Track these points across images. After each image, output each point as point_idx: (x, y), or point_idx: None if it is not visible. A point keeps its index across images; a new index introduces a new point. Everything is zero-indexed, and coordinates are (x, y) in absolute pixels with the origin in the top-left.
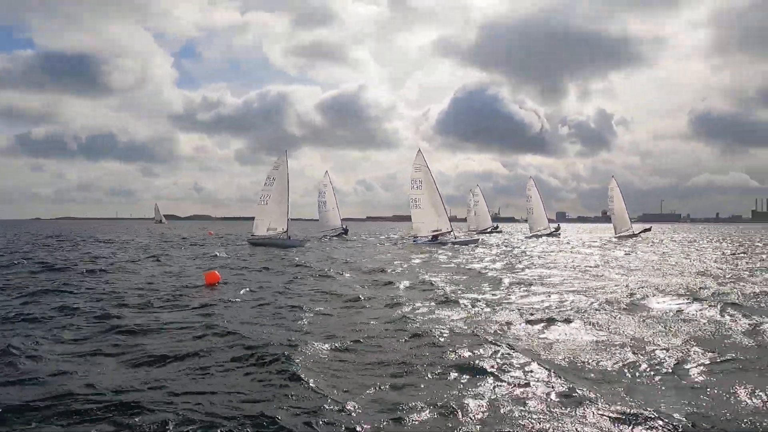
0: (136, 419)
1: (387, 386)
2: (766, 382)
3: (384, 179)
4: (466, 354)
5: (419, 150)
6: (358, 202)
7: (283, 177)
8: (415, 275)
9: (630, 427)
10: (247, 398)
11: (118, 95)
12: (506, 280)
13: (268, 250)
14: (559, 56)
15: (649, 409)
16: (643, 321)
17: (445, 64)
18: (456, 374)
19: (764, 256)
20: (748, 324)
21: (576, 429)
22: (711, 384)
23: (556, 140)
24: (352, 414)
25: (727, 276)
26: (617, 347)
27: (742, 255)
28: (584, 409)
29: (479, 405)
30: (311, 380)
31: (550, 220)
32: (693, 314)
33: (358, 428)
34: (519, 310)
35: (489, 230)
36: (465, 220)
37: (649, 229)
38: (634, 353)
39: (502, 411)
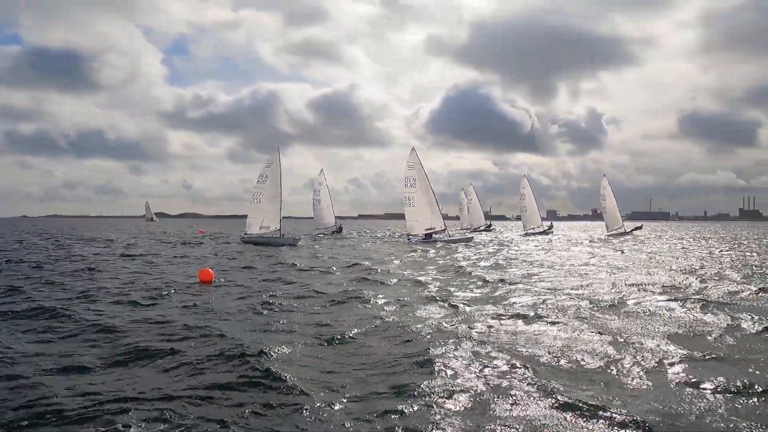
0: (110, 419)
1: (366, 384)
2: (743, 379)
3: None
4: (449, 352)
5: (413, 148)
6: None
7: (276, 175)
8: (403, 273)
9: (606, 423)
10: (222, 397)
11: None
12: (495, 279)
13: (260, 248)
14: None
15: (623, 407)
16: (626, 319)
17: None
18: (436, 371)
19: (753, 255)
20: (728, 322)
21: (553, 424)
22: (686, 381)
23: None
24: (332, 412)
25: (712, 274)
26: (597, 344)
27: (728, 251)
28: (561, 405)
29: (459, 402)
30: (289, 378)
31: (542, 219)
32: (674, 312)
33: (337, 426)
34: (504, 308)
35: (482, 228)
36: (456, 218)
37: (640, 227)
38: (614, 350)
39: (481, 408)
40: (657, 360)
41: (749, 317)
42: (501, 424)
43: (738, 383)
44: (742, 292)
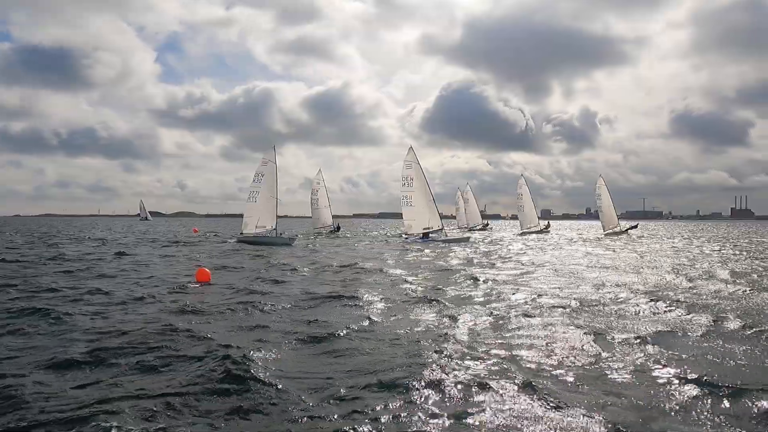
0: (91, 421)
1: (353, 384)
2: (725, 379)
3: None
4: (436, 352)
5: (410, 147)
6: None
7: (272, 174)
8: (396, 273)
9: (589, 422)
10: (206, 398)
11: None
12: (486, 278)
13: (255, 247)
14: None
15: (606, 406)
16: (612, 318)
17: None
18: (423, 371)
19: (742, 254)
20: (712, 322)
21: (538, 424)
22: (669, 381)
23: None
24: (317, 413)
25: (701, 273)
26: (582, 343)
27: (718, 251)
28: (545, 405)
29: (445, 401)
30: (274, 379)
31: (538, 218)
32: (660, 311)
33: (322, 428)
34: (494, 307)
35: (479, 227)
36: (451, 217)
37: (635, 226)
38: (599, 350)
39: (466, 407)
40: (641, 360)
41: (733, 317)
42: (486, 423)
43: (719, 382)
44: (728, 291)
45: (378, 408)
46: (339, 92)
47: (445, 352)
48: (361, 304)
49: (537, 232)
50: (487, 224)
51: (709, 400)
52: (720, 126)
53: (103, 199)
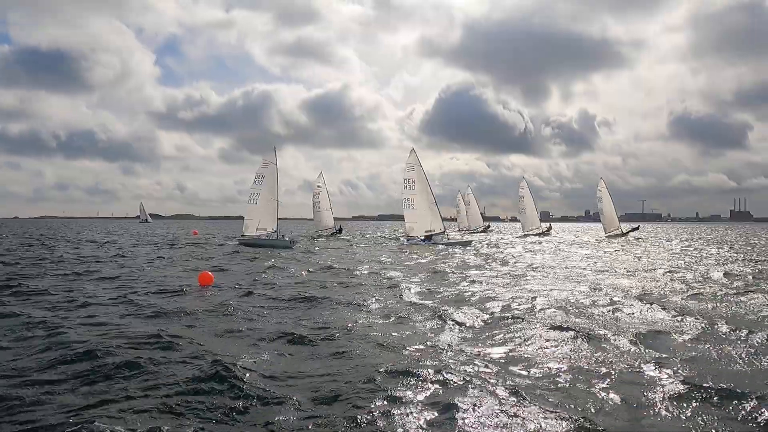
0: (75, 428)
1: (339, 388)
2: (714, 381)
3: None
4: (425, 356)
5: (412, 149)
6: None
7: (273, 175)
8: (393, 276)
9: (576, 425)
10: (192, 403)
11: (98, 92)
12: (483, 281)
13: (255, 250)
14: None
15: (594, 408)
16: (604, 321)
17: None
18: (411, 375)
19: (739, 255)
20: (704, 324)
21: (524, 424)
22: (657, 383)
23: (540, 141)
24: (303, 416)
25: (698, 275)
26: (573, 345)
27: (715, 253)
28: (534, 406)
29: (430, 404)
30: (261, 383)
31: (540, 220)
32: (653, 314)
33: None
34: (487, 310)
35: (480, 230)
36: (451, 219)
37: (637, 229)
38: (588, 352)
39: (452, 410)
40: (633, 362)
41: (725, 319)
42: (477, 425)
43: (710, 384)
44: (722, 293)
45: (372, 410)
46: (338, 94)
47: (438, 354)
48: (357, 306)
49: (539, 235)
50: (488, 226)
51: (700, 403)
52: (718, 128)
53: (102, 201)
